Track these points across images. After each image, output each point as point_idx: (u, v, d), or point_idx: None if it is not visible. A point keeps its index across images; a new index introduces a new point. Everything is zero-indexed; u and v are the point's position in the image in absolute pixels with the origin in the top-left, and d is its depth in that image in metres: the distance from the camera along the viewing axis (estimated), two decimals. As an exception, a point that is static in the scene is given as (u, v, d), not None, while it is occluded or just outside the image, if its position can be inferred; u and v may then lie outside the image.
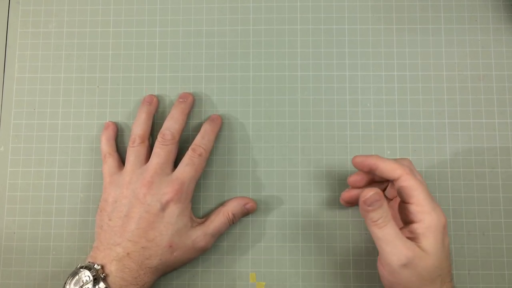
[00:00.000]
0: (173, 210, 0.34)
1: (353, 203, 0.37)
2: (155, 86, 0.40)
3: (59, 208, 0.39)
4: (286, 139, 0.39)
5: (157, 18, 0.41)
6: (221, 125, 0.39)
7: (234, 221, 0.37)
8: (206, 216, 0.37)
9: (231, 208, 0.37)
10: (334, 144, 0.39)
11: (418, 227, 0.31)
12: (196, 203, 0.38)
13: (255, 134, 0.39)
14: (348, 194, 0.36)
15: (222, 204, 0.38)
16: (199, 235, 0.35)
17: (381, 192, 0.31)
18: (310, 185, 0.38)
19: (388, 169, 0.32)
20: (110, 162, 0.37)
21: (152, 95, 0.39)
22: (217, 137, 0.39)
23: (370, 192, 0.30)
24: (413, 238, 0.31)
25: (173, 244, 0.34)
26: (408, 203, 0.32)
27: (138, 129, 0.37)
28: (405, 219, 0.33)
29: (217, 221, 0.36)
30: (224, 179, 0.39)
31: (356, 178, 0.35)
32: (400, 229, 0.31)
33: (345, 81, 0.39)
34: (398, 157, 0.38)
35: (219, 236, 0.37)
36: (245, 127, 0.39)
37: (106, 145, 0.38)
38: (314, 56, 0.40)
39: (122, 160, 0.38)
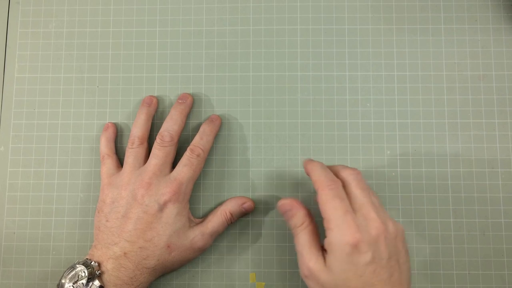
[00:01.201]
0: (171, 211, 0.34)
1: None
2: (155, 86, 0.40)
3: (59, 208, 0.39)
4: (286, 139, 0.39)
5: (157, 18, 0.41)
6: (220, 126, 0.39)
7: (232, 221, 0.37)
8: (205, 216, 0.37)
9: (229, 207, 0.37)
10: (334, 144, 0.39)
11: (325, 242, 0.31)
12: (195, 203, 0.38)
13: (255, 134, 0.39)
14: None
15: (220, 204, 0.38)
16: (197, 235, 0.35)
17: (295, 202, 0.32)
18: (310, 185, 0.38)
19: (313, 180, 0.32)
20: (109, 163, 0.37)
21: (151, 96, 0.39)
22: (217, 137, 0.39)
23: (284, 201, 0.32)
24: (325, 251, 0.31)
25: (171, 244, 0.34)
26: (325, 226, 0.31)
27: (137, 130, 0.37)
28: None
29: (215, 221, 0.36)
30: (224, 179, 0.39)
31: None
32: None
33: (345, 81, 0.39)
34: (350, 165, 0.38)
35: (217, 236, 0.37)
36: (245, 127, 0.39)
37: (105, 147, 0.38)
38: (314, 56, 0.40)
39: (120, 162, 0.38)
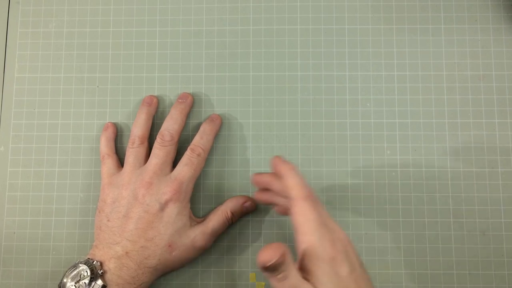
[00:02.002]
0: (172, 210, 0.34)
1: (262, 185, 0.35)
2: (155, 86, 0.40)
3: (59, 208, 0.39)
4: (286, 139, 0.39)
5: (157, 18, 0.41)
6: (221, 125, 0.39)
7: (233, 220, 0.37)
8: (205, 215, 0.37)
9: (230, 207, 0.37)
10: (334, 144, 0.39)
11: (304, 257, 0.28)
12: (196, 203, 0.38)
13: (255, 134, 0.39)
14: (259, 178, 0.35)
15: (221, 203, 0.37)
16: (198, 234, 0.35)
17: (282, 248, 0.26)
18: (310, 185, 0.38)
19: (287, 185, 0.30)
20: (109, 163, 0.37)
21: (152, 95, 0.39)
22: (217, 137, 0.39)
23: (270, 256, 0.26)
24: (307, 276, 0.28)
25: (172, 243, 0.34)
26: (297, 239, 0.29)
27: (137, 130, 0.37)
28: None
29: (215, 220, 0.36)
30: (224, 179, 0.39)
31: (264, 180, 0.34)
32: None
33: (345, 81, 0.39)
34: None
35: (218, 236, 0.37)
36: (245, 127, 0.39)
37: (105, 146, 0.38)
38: (314, 56, 0.40)
39: (120, 161, 0.38)
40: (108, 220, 0.34)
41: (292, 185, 0.30)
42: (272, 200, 0.34)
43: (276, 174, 0.32)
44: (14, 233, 0.39)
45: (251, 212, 0.38)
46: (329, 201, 0.38)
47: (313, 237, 0.28)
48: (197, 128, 0.38)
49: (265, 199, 0.35)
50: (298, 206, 0.29)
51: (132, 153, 0.36)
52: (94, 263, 0.33)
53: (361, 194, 0.38)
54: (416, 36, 0.40)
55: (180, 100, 0.38)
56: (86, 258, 0.33)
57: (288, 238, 0.38)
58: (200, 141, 0.37)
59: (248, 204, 0.37)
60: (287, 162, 0.32)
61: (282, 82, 0.40)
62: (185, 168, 0.35)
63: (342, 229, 0.30)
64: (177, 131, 0.37)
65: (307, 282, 0.27)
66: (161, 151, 0.36)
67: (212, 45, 0.40)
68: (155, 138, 0.37)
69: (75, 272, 0.32)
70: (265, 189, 0.35)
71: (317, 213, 0.29)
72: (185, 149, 0.36)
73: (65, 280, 0.32)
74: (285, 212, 0.34)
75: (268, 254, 0.26)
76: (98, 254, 0.34)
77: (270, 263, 0.26)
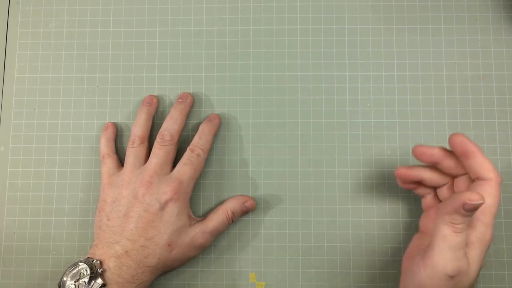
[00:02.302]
0: (172, 209, 0.34)
1: (407, 183, 0.34)
2: (155, 86, 0.40)
3: (59, 208, 0.39)
4: (286, 139, 0.39)
5: (157, 18, 0.41)
6: (219, 125, 0.39)
7: (233, 220, 0.37)
8: (205, 214, 0.37)
9: (230, 206, 0.37)
10: (334, 144, 0.39)
11: (471, 234, 0.29)
12: (196, 203, 0.38)
13: (255, 134, 0.39)
14: (406, 172, 0.33)
15: (221, 203, 0.38)
16: (198, 233, 0.35)
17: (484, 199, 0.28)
18: (310, 185, 0.38)
19: (486, 168, 0.30)
20: (109, 163, 0.37)
21: (152, 95, 0.39)
22: (217, 137, 0.39)
23: (476, 198, 0.28)
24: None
25: (172, 243, 0.34)
26: (477, 216, 0.30)
27: (137, 129, 0.37)
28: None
29: (216, 219, 0.36)
30: (224, 179, 0.39)
31: (408, 173, 0.33)
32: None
33: (345, 81, 0.39)
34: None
35: (218, 235, 0.37)
36: (245, 127, 0.39)
37: (105, 146, 0.38)
38: (314, 56, 0.40)
39: (121, 161, 0.38)
40: (108, 220, 0.34)
41: (491, 167, 0.30)
42: (422, 177, 0.33)
43: (447, 151, 0.32)
44: (14, 233, 0.39)
45: (251, 211, 0.38)
46: (329, 200, 0.38)
47: (489, 222, 0.29)
48: (196, 128, 0.38)
49: (413, 175, 0.33)
50: (494, 188, 0.29)
51: (132, 153, 0.36)
52: (93, 261, 0.33)
53: (361, 194, 0.38)
54: (416, 36, 0.40)
55: (180, 100, 0.38)
56: (86, 257, 0.33)
57: (288, 238, 0.38)
58: (199, 141, 0.37)
59: (249, 203, 0.37)
60: (473, 143, 0.31)
61: (282, 82, 0.40)
62: (185, 167, 0.35)
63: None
64: (177, 131, 0.37)
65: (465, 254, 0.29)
66: (161, 150, 0.36)
67: (212, 45, 0.40)
68: (155, 138, 0.37)
69: (74, 271, 0.32)
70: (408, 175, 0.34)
71: (499, 201, 0.30)
72: (185, 149, 0.36)
73: (64, 279, 0.32)
74: (431, 202, 0.34)
75: (478, 196, 0.27)
76: (98, 253, 0.34)
77: (477, 203, 0.27)
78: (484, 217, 0.29)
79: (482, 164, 0.30)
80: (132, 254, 0.33)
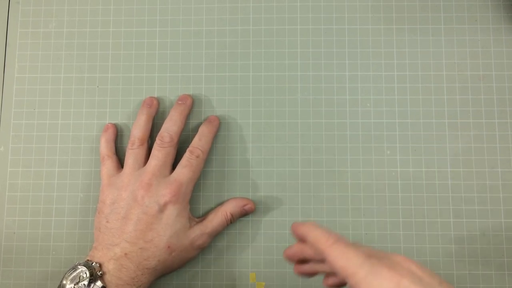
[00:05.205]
0: (171, 212, 0.34)
1: (295, 259, 0.31)
2: (155, 86, 0.40)
3: (59, 208, 0.39)
4: (286, 139, 0.39)
5: (157, 18, 0.41)
6: (219, 126, 0.39)
7: (232, 221, 0.37)
8: (205, 215, 0.37)
9: (230, 208, 0.37)
10: (334, 144, 0.39)
11: None
12: (195, 203, 0.38)
13: (255, 134, 0.39)
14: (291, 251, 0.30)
15: (221, 203, 0.38)
16: (197, 233, 0.35)
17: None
18: (310, 185, 0.38)
19: (312, 241, 0.27)
20: (109, 164, 0.37)
21: (152, 97, 0.39)
22: (217, 137, 0.39)
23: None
24: None
25: (171, 245, 0.34)
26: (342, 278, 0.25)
27: (137, 131, 0.37)
28: None
29: (215, 221, 0.36)
30: (224, 179, 0.39)
31: (294, 252, 0.30)
32: None
33: (345, 81, 0.39)
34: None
35: (216, 235, 0.37)
36: (245, 127, 0.39)
37: (105, 148, 0.38)
38: (314, 56, 0.40)
39: (120, 162, 0.38)
40: (107, 222, 0.34)
41: (316, 238, 0.26)
42: (315, 269, 0.30)
43: (303, 241, 0.29)
44: (14, 233, 0.39)
45: (250, 213, 0.38)
46: (329, 201, 0.38)
47: (363, 271, 0.24)
48: (196, 128, 0.38)
49: (306, 271, 0.30)
50: (331, 251, 0.25)
51: (132, 155, 0.36)
52: (93, 264, 0.33)
53: (361, 194, 0.38)
54: (416, 36, 0.40)
55: (180, 102, 0.38)
56: (85, 260, 0.33)
57: (288, 238, 0.38)
58: (198, 142, 0.37)
59: (248, 207, 0.37)
60: (305, 222, 0.28)
61: (282, 82, 0.40)
62: (184, 170, 0.35)
63: (397, 253, 0.26)
64: (176, 133, 0.37)
65: None
66: (160, 152, 0.36)
67: (212, 45, 0.40)
68: (155, 140, 0.37)
69: (74, 273, 0.32)
70: (302, 261, 0.31)
71: (356, 248, 0.25)
72: (185, 150, 0.36)
73: (64, 282, 0.32)
74: (340, 283, 0.29)
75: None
76: (97, 256, 0.34)
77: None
78: (352, 278, 0.24)
79: (311, 241, 0.27)
80: (132, 256, 0.33)
